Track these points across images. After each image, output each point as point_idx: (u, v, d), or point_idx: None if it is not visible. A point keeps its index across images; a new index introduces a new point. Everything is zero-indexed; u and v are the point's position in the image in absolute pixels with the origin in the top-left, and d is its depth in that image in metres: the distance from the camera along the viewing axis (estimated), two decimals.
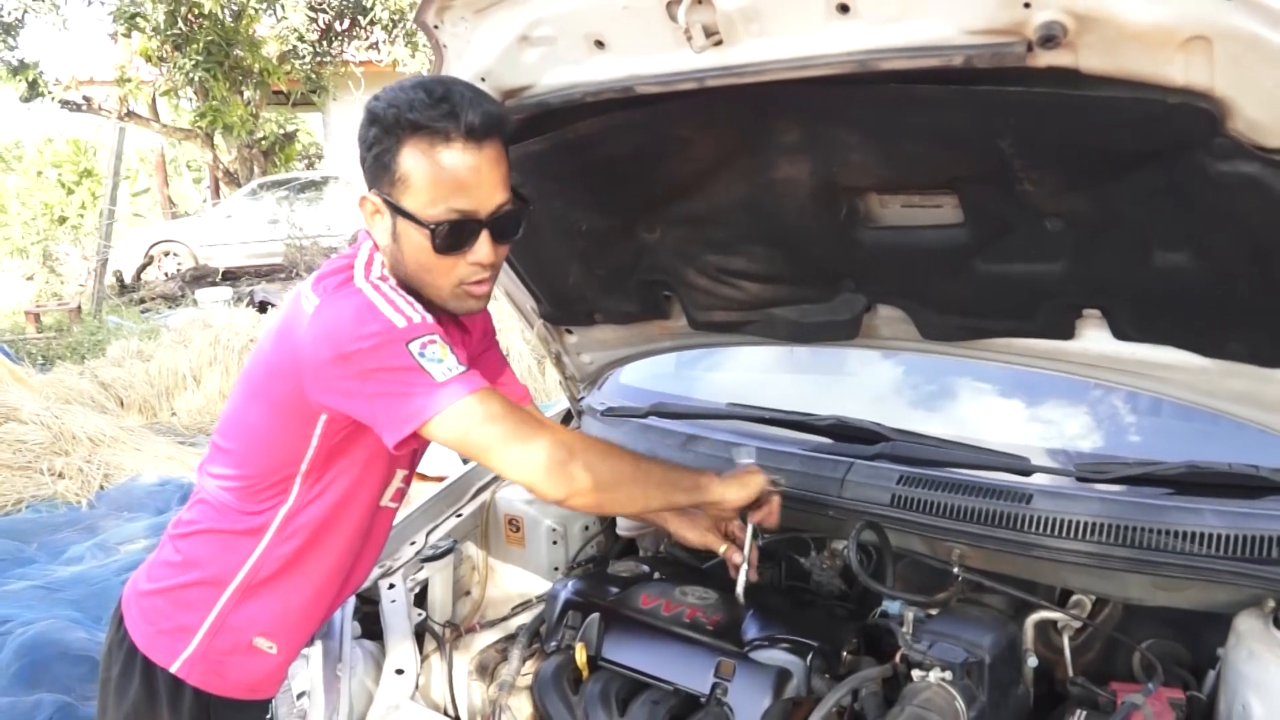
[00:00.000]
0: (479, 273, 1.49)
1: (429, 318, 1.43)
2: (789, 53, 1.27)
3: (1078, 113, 1.20)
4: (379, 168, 1.43)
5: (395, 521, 1.97)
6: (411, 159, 1.40)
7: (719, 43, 1.30)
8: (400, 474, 1.68)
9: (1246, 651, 1.42)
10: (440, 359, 1.39)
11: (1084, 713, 1.49)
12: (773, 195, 1.60)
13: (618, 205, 1.77)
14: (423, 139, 1.39)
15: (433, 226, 1.42)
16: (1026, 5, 1.07)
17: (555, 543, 2.14)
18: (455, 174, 1.40)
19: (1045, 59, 1.11)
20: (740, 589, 1.67)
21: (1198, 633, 1.63)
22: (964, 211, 1.48)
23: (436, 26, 1.53)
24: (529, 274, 2.05)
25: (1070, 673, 1.63)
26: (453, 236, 1.44)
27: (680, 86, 1.38)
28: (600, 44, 1.41)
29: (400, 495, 1.73)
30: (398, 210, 1.44)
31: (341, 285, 1.45)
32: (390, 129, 1.39)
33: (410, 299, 1.44)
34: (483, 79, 1.53)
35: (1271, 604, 1.46)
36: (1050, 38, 1.08)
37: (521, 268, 2.03)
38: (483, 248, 1.46)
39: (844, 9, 1.19)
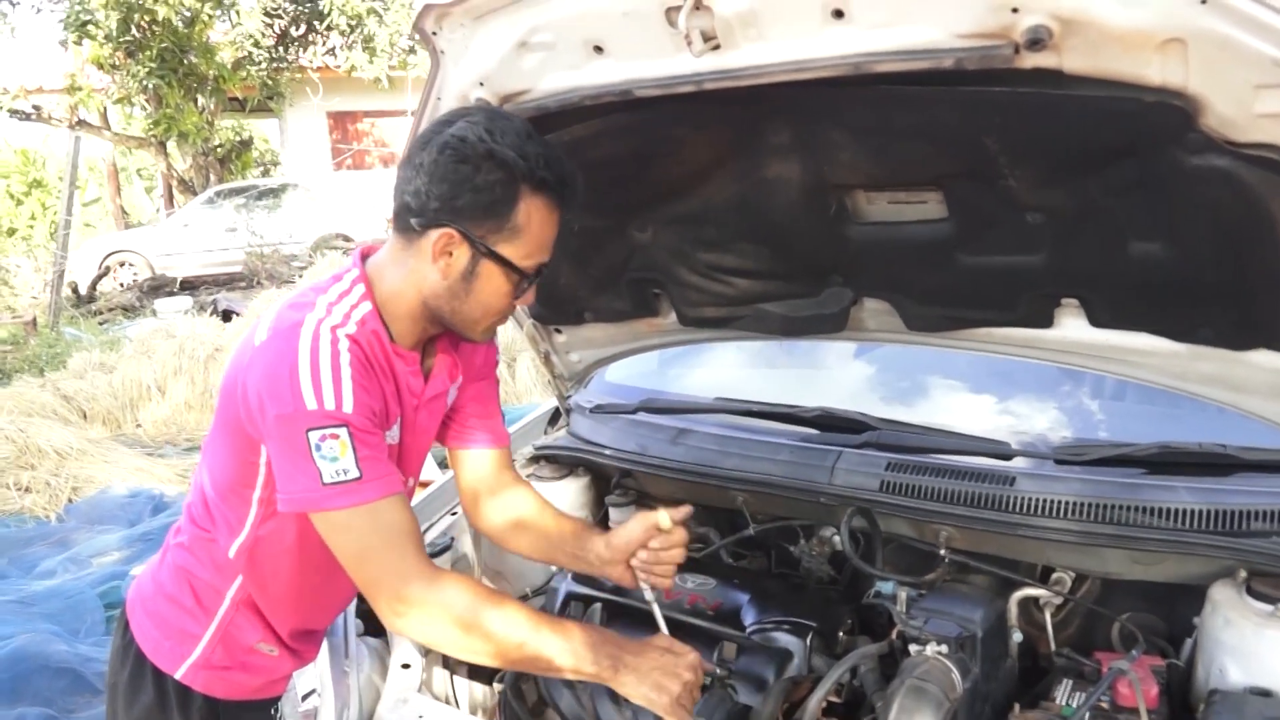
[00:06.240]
0: (514, 309, 1.56)
1: (348, 406, 1.35)
2: (785, 56, 1.31)
3: (1060, 111, 1.26)
4: (486, 211, 1.40)
5: None
6: (533, 214, 1.41)
7: (717, 47, 1.34)
8: None
9: (1222, 619, 1.50)
10: (335, 458, 1.34)
11: (1070, 682, 1.56)
12: (764, 194, 1.65)
13: (611, 206, 1.81)
14: (543, 198, 1.41)
15: (528, 276, 1.47)
16: (1014, 10, 1.13)
17: None
18: (553, 236, 1.47)
19: (1031, 60, 1.17)
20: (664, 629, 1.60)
21: (1171, 604, 1.71)
22: (948, 207, 1.55)
23: (435, 33, 1.55)
24: None
25: (1053, 646, 1.71)
26: (529, 285, 1.50)
27: (678, 90, 1.42)
28: (599, 49, 1.44)
29: None
30: (495, 256, 1.43)
31: (289, 328, 1.41)
32: (518, 179, 1.38)
33: (344, 377, 1.37)
34: (481, 83, 1.56)
35: (1243, 574, 1.54)
36: (1037, 40, 1.14)
37: None
38: (532, 289, 1.53)
39: (839, 14, 1.24)
